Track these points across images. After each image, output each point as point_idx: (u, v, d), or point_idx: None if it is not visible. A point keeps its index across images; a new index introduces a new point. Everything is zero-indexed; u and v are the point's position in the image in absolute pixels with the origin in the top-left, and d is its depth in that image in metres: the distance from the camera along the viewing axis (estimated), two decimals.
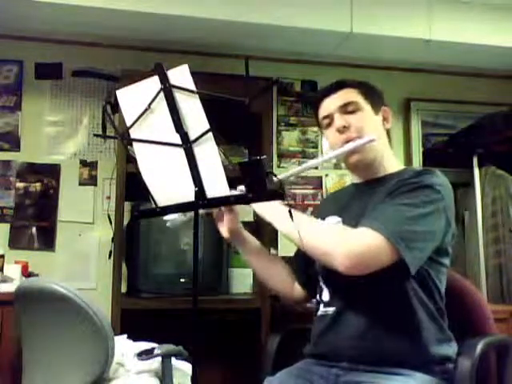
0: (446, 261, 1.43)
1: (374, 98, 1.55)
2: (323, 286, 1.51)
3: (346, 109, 1.51)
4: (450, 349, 1.38)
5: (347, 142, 1.48)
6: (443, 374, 1.33)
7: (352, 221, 1.44)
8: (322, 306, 1.49)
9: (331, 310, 1.44)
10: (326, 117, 1.55)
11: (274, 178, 1.51)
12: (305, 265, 1.53)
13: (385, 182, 1.48)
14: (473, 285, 1.60)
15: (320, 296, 1.51)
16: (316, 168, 3.16)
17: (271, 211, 1.44)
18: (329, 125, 1.55)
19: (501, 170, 3.14)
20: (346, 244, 1.30)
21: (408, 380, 1.28)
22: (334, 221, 1.53)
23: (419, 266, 1.32)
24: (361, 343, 1.35)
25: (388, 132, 1.57)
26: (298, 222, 1.37)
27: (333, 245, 1.32)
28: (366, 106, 1.52)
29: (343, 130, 1.49)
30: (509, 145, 2.97)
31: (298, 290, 1.66)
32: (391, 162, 1.55)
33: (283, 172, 1.56)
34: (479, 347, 1.32)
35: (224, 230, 1.56)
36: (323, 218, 1.57)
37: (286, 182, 1.58)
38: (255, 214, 1.56)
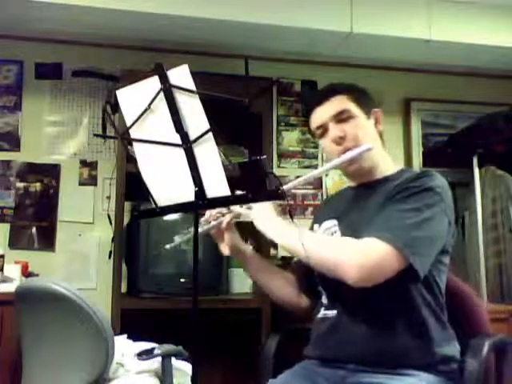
0: (447, 260, 1.44)
1: (364, 101, 1.53)
2: (321, 290, 1.51)
3: (340, 117, 1.49)
4: (454, 348, 1.38)
5: (344, 151, 1.46)
6: (448, 374, 1.34)
7: (349, 226, 1.44)
8: (322, 308, 1.49)
9: (332, 312, 1.44)
10: (319, 126, 1.53)
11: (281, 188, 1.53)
12: (306, 271, 1.52)
13: (382, 184, 1.47)
14: (467, 284, 1.60)
15: (320, 299, 1.52)
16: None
17: (272, 226, 1.43)
18: (323, 134, 1.53)
19: (501, 170, 3.14)
20: (355, 257, 1.29)
21: (414, 380, 1.28)
22: (330, 224, 1.52)
23: (427, 269, 1.33)
24: (365, 345, 1.34)
25: (381, 134, 1.56)
26: (302, 236, 1.38)
27: (341, 258, 1.31)
28: (358, 112, 1.50)
29: (339, 140, 1.48)
30: (509, 145, 2.97)
31: (304, 299, 1.65)
32: (387, 165, 1.54)
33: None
34: (485, 348, 1.33)
35: (224, 247, 1.59)
36: (320, 223, 1.57)
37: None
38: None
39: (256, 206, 1.45)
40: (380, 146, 1.54)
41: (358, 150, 1.44)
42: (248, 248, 1.65)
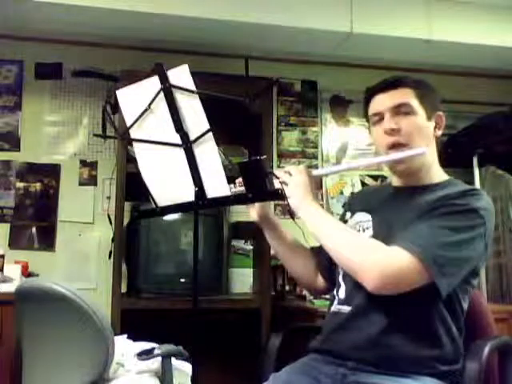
0: (475, 282, 1.40)
1: (430, 101, 1.48)
2: (341, 283, 1.48)
3: (399, 110, 1.43)
4: (460, 365, 1.36)
5: (394, 145, 1.42)
6: (449, 377, 1.33)
7: (383, 226, 1.41)
8: (336, 302, 1.47)
9: (346, 308, 1.41)
10: (376, 114, 1.48)
11: (315, 172, 1.49)
12: (328, 258, 1.47)
13: (427, 191, 1.42)
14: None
15: (337, 292, 1.49)
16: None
17: (304, 206, 1.41)
18: (377, 122, 1.47)
19: (501, 170, 3.14)
20: (379, 263, 1.27)
21: (414, 382, 1.27)
22: (363, 218, 1.49)
23: (451, 290, 1.30)
24: (372, 347, 1.32)
25: (437, 139, 1.49)
26: (331, 229, 1.37)
27: (364, 262, 1.29)
28: (420, 110, 1.44)
29: (392, 132, 1.42)
30: (509, 145, 2.97)
31: (320, 281, 1.63)
32: (437, 172, 1.49)
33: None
34: (486, 350, 1.32)
35: (254, 213, 1.57)
36: (353, 213, 1.55)
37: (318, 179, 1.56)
38: None
39: (293, 181, 1.41)
40: (434, 151, 1.49)
41: (410, 153, 1.40)
42: (276, 218, 1.63)
